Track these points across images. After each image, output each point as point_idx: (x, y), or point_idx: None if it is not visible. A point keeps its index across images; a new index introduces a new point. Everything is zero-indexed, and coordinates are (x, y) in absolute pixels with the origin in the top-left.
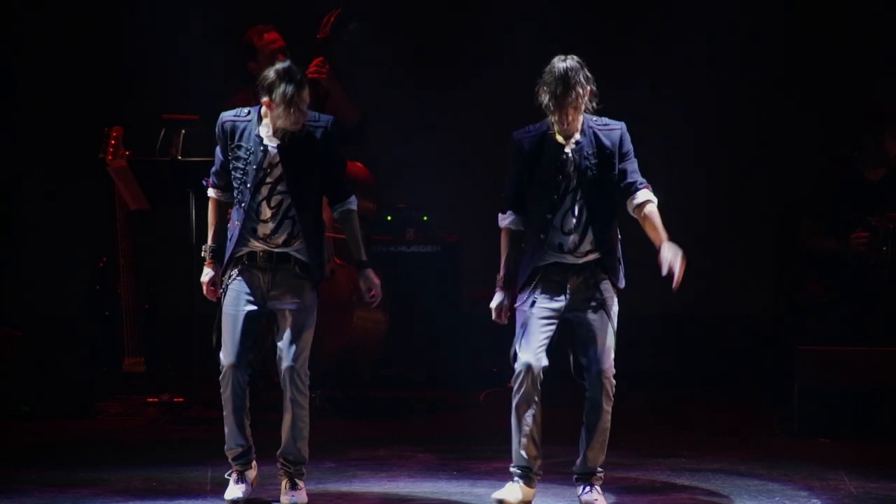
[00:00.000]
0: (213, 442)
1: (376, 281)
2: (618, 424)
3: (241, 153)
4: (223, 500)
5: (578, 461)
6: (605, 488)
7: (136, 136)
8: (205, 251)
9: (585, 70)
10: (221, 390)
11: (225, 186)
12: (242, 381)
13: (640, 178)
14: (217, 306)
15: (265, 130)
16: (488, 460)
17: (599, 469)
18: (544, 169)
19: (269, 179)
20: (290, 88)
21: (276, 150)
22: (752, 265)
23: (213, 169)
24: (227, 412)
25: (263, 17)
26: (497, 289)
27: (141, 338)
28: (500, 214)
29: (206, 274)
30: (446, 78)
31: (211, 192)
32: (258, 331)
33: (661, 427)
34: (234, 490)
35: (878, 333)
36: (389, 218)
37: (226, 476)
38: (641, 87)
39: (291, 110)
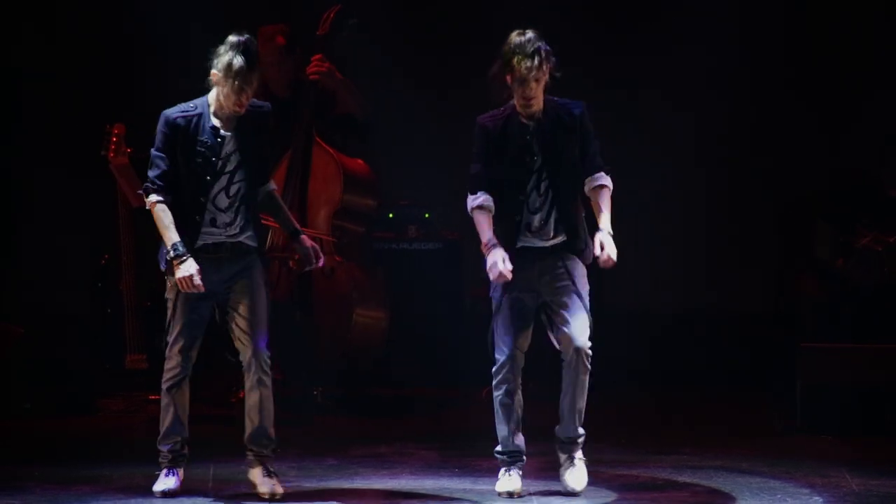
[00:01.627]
0: (215, 439)
1: (312, 244)
2: (620, 423)
3: (199, 147)
4: (223, 497)
5: (558, 426)
6: (607, 485)
7: (137, 134)
8: (177, 249)
9: (545, 43)
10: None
11: (167, 188)
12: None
13: (600, 160)
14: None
15: (217, 121)
16: (490, 457)
17: (581, 432)
18: (511, 149)
19: (227, 169)
20: (238, 59)
21: (231, 139)
22: (752, 265)
23: (156, 172)
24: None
25: (265, 14)
26: (489, 251)
27: (143, 335)
28: (469, 196)
29: (192, 266)
30: (447, 76)
31: (157, 198)
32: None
33: (663, 425)
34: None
35: (877, 332)
36: (391, 215)
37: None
38: (642, 86)
39: (236, 83)
